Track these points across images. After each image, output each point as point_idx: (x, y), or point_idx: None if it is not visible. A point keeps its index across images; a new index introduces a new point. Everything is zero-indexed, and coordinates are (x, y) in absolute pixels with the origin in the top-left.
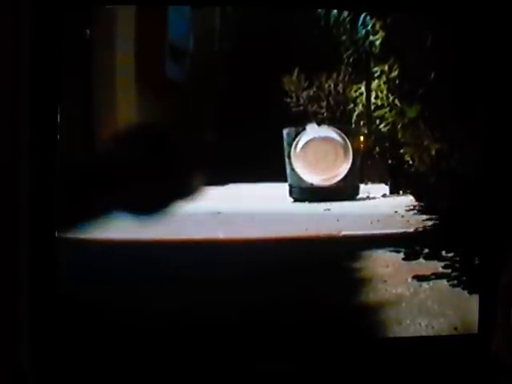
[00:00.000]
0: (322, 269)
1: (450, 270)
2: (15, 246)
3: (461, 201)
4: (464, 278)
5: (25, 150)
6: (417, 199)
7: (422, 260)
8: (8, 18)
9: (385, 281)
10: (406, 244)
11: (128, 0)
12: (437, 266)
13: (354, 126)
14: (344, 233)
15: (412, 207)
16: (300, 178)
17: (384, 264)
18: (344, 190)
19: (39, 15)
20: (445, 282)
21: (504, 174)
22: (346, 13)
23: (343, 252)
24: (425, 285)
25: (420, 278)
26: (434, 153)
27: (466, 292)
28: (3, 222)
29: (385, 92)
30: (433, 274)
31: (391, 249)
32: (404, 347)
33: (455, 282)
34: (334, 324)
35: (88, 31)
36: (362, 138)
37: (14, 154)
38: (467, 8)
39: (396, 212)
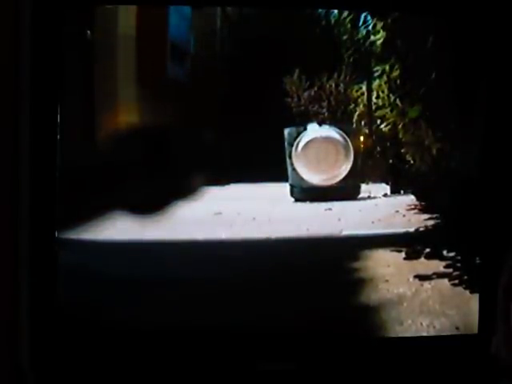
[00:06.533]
0: (323, 268)
1: (451, 270)
2: (15, 246)
3: (462, 200)
4: (465, 278)
5: (25, 149)
6: (418, 199)
7: (423, 259)
8: (8, 18)
9: (386, 280)
10: (408, 243)
11: (128, 0)
12: (438, 266)
13: (355, 125)
14: (345, 232)
15: (413, 206)
16: (301, 178)
17: (385, 264)
18: (345, 190)
19: (39, 15)
20: (446, 281)
21: (504, 174)
22: (346, 13)
23: (344, 252)
24: (426, 284)
25: (421, 278)
26: (434, 152)
27: (467, 291)
28: (3, 222)
29: (386, 92)
30: (434, 273)
31: (392, 248)
32: (404, 347)
33: (456, 281)
34: (335, 323)
35: (88, 31)
36: (362, 138)
37: (14, 153)
38: (467, 8)
39: (397, 211)
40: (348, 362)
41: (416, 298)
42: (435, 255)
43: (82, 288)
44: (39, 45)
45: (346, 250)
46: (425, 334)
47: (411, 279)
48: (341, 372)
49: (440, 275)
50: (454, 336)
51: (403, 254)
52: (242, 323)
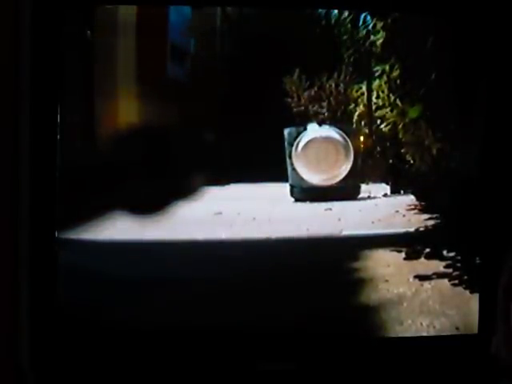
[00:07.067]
0: (323, 269)
1: (451, 270)
2: (15, 246)
3: (462, 200)
4: (465, 278)
5: (25, 149)
6: (418, 198)
7: (423, 259)
8: (8, 18)
9: (386, 280)
10: (408, 243)
11: (128, 0)
12: (438, 266)
13: (355, 125)
14: (345, 232)
15: (413, 206)
16: (301, 178)
17: (385, 264)
18: (345, 190)
19: (39, 15)
20: (446, 281)
21: (504, 174)
22: (346, 13)
23: (344, 252)
24: (426, 284)
25: (421, 278)
26: (434, 152)
27: (467, 291)
28: (3, 222)
29: (386, 92)
30: (434, 273)
31: (392, 248)
32: (404, 347)
33: (456, 281)
34: (335, 323)
35: (89, 31)
36: (362, 138)
37: (14, 153)
38: (467, 8)
39: (397, 211)
40: (348, 361)
41: (416, 297)
42: (435, 255)
43: (82, 288)
44: (39, 45)
45: (346, 250)
46: (425, 334)
47: (411, 279)
48: (341, 372)
49: (440, 275)
50: (454, 336)
51: (403, 254)
52: (241, 323)
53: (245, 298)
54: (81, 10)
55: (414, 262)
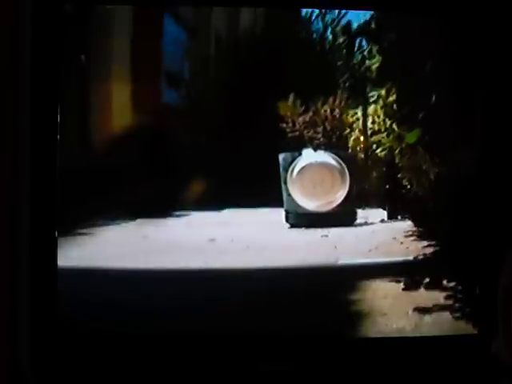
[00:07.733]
0: (319, 299)
1: (451, 301)
2: (15, 246)
3: (461, 225)
4: (467, 310)
5: (25, 149)
6: (415, 224)
7: (422, 290)
8: (8, 19)
9: (385, 314)
10: (406, 273)
11: (127, 1)
12: (438, 297)
13: (350, 151)
14: (342, 261)
15: (411, 233)
16: (296, 204)
17: (383, 295)
18: (341, 216)
19: (39, 16)
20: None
21: (504, 199)
22: (342, 38)
23: (341, 282)
24: (427, 318)
25: (421, 310)
26: (432, 177)
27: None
28: (3, 223)
29: (382, 117)
30: (434, 305)
31: (390, 278)
32: (404, 347)
33: (458, 314)
34: (331, 358)
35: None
36: (358, 163)
37: (14, 153)
38: (467, 29)
39: (394, 238)
40: (347, 362)
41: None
42: (435, 285)
43: (82, 288)
44: (39, 45)
45: (343, 280)
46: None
47: (410, 312)
48: (339, 372)
49: (441, 307)
50: (454, 336)
51: (402, 285)
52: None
53: (238, 330)
54: (81, 10)
55: (414, 293)
